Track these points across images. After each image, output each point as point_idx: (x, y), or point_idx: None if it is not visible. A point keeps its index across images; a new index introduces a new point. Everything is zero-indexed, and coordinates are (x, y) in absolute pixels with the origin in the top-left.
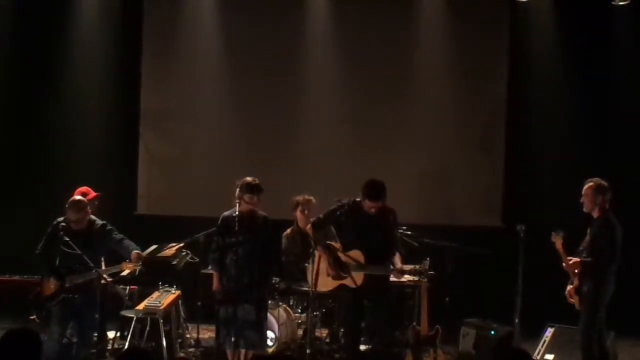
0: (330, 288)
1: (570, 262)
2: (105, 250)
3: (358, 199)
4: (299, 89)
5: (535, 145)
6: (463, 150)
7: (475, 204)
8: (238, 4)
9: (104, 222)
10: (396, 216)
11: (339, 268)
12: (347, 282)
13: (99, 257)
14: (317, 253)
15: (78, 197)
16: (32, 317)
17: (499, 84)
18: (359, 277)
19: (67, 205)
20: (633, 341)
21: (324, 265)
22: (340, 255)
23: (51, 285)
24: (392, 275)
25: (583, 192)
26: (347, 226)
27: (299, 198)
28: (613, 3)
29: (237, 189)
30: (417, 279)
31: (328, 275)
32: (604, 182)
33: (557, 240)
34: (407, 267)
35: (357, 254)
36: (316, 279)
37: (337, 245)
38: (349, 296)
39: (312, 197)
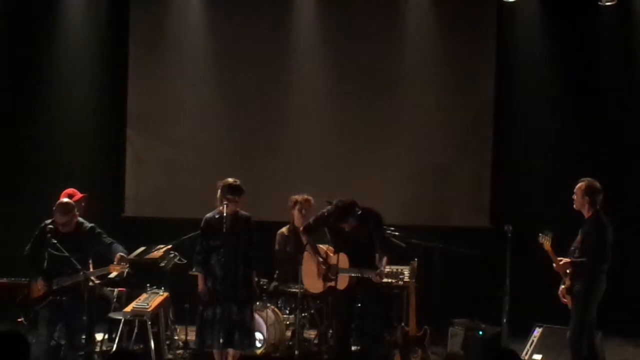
0: (321, 290)
1: (561, 262)
2: (93, 252)
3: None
4: (287, 91)
5: (522, 146)
6: (451, 150)
7: (463, 204)
8: (225, 6)
9: (93, 224)
10: (378, 219)
11: (327, 270)
12: (335, 284)
13: (87, 259)
14: (306, 254)
15: (65, 199)
16: (19, 320)
17: (486, 84)
18: (343, 280)
19: (54, 208)
20: (620, 341)
21: (314, 267)
22: (329, 257)
23: (39, 287)
24: (373, 280)
25: (574, 190)
26: (336, 230)
27: (298, 197)
28: (599, 3)
29: (219, 190)
30: (399, 282)
31: (318, 277)
32: (595, 183)
33: (545, 242)
34: (389, 268)
35: (342, 257)
36: (310, 280)
37: (327, 248)
38: (338, 297)
39: (310, 197)
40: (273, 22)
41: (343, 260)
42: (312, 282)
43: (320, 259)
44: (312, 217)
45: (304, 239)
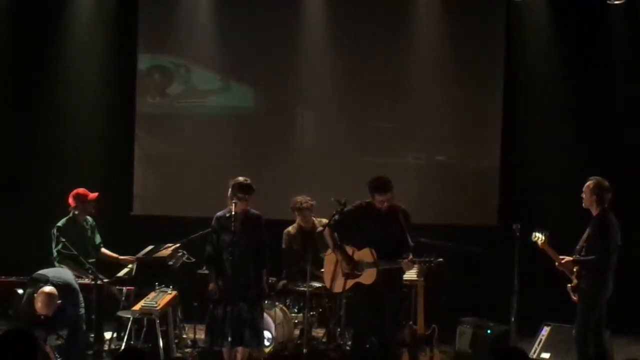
0: (341, 289)
1: (563, 260)
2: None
3: (368, 200)
4: (295, 90)
5: (531, 145)
6: (458, 149)
7: (471, 202)
8: (234, 6)
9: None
10: (408, 215)
11: (353, 267)
12: (362, 279)
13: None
14: (333, 255)
15: (48, 288)
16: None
17: (495, 83)
18: (370, 275)
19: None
20: (629, 339)
21: (339, 267)
22: (353, 254)
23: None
24: (404, 268)
25: (583, 189)
26: (360, 227)
27: (298, 202)
28: (608, 2)
29: (229, 189)
30: (416, 277)
31: (343, 275)
32: (604, 182)
33: (539, 240)
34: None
35: (367, 252)
36: (332, 281)
37: (350, 247)
38: (361, 293)
39: (310, 202)
40: (281, 24)
41: (369, 255)
42: (338, 282)
43: (346, 257)
44: (336, 215)
45: (329, 239)
